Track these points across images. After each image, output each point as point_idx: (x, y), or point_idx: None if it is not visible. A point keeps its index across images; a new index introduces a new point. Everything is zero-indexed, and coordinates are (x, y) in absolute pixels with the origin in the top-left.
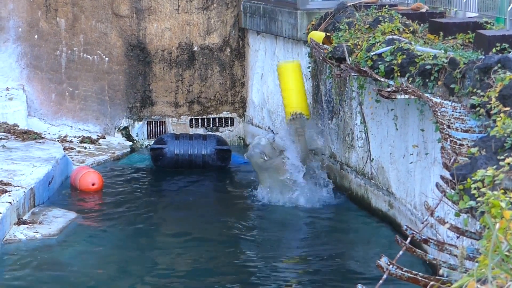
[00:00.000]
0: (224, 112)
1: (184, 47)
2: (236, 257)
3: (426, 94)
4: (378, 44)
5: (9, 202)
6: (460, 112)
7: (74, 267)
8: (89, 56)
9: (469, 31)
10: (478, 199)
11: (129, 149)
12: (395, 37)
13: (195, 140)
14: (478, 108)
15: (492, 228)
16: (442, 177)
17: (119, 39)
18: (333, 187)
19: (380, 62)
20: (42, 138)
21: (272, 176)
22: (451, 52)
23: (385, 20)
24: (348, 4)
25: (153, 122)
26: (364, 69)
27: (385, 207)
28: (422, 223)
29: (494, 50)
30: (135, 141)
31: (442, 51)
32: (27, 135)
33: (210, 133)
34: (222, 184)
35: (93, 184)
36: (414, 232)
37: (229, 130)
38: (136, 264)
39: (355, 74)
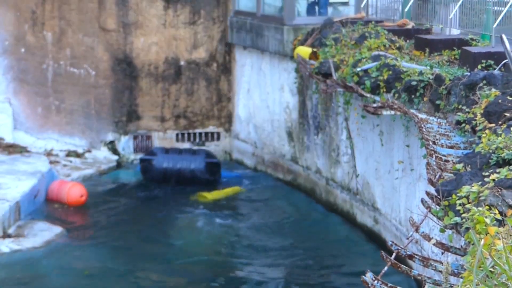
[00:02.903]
0: (210, 127)
1: (170, 61)
2: (224, 271)
3: (411, 110)
4: (364, 60)
5: None
6: (445, 128)
7: (58, 281)
8: (75, 70)
9: (454, 48)
10: (463, 215)
11: (115, 163)
12: (381, 53)
13: (184, 154)
14: (463, 125)
15: (477, 244)
16: (427, 193)
17: (106, 53)
18: None
19: (366, 78)
20: (28, 151)
21: None
22: (436, 68)
23: (371, 36)
24: (335, 20)
25: (139, 136)
26: (350, 84)
27: (370, 222)
28: (407, 238)
29: (479, 66)
30: (121, 155)
31: (428, 67)
32: (12, 149)
33: (200, 148)
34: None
35: (81, 196)
36: (399, 248)
37: (215, 145)
38: (121, 279)
39: (341, 90)
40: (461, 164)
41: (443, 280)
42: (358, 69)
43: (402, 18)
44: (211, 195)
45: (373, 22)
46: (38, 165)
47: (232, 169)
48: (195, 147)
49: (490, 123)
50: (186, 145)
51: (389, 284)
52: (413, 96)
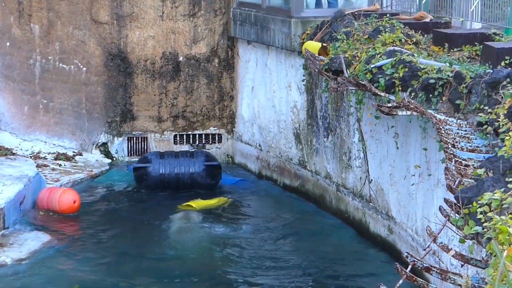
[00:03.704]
0: (211, 128)
1: (168, 57)
2: (226, 282)
3: (429, 111)
4: (378, 56)
5: None
6: (466, 130)
7: None
8: (65, 66)
9: (476, 43)
10: (485, 224)
11: (107, 167)
12: (396, 48)
13: (181, 157)
14: (485, 126)
15: (499, 256)
16: (446, 200)
17: (98, 48)
18: None
19: (380, 76)
20: (14, 154)
21: None
22: (456, 65)
23: (386, 30)
24: (346, 13)
25: (134, 138)
26: (363, 82)
27: (385, 232)
28: (424, 249)
29: (503, 63)
30: (114, 158)
31: (447, 64)
32: None
33: (198, 149)
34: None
35: (74, 202)
36: (416, 260)
37: (217, 147)
38: None
39: (353, 88)
40: (483, 169)
41: None
42: (372, 66)
43: (419, 10)
44: (196, 204)
45: (388, 15)
46: (25, 169)
47: (234, 173)
48: (194, 149)
49: None
50: (185, 147)
51: None
52: (431, 95)
